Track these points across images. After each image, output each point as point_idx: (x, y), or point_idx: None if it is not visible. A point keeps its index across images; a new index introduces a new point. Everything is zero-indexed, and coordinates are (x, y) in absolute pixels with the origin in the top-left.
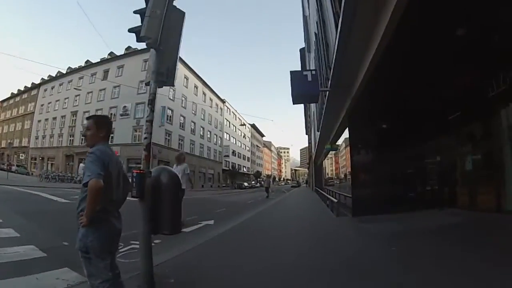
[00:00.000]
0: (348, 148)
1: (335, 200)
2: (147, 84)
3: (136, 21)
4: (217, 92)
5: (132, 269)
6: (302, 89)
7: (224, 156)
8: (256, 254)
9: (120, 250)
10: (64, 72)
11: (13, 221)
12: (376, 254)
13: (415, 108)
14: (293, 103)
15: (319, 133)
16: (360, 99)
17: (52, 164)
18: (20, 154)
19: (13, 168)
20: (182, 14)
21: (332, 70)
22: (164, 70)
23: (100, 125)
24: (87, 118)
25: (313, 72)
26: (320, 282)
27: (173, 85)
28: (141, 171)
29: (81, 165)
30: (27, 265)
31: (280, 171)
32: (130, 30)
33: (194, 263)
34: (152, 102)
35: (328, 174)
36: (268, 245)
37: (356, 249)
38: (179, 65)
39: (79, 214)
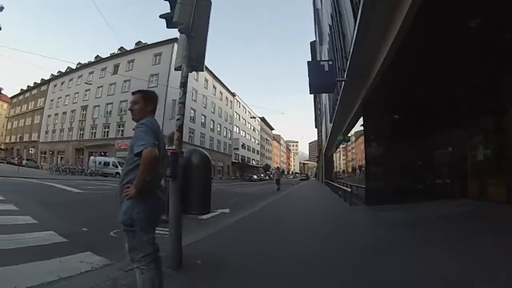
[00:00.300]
0: (361, 139)
1: (349, 190)
2: (177, 68)
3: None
4: (227, 86)
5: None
6: (319, 79)
7: (234, 149)
8: (278, 240)
9: None
10: (74, 67)
11: (29, 209)
12: (395, 238)
13: (427, 100)
14: (310, 93)
15: (331, 124)
16: (375, 90)
17: (61, 157)
18: (30, 149)
19: (23, 162)
20: (209, 3)
21: (349, 61)
22: (195, 55)
23: (148, 99)
24: (133, 93)
25: (330, 63)
26: (346, 263)
27: (202, 70)
28: (175, 151)
29: (92, 157)
30: (49, 250)
31: (289, 164)
32: (161, 16)
33: (215, 247)
34: (184, 85)
35: (338, 166)
36: (288, 231)
37: (376, 234)
38: None
39: (124, 187)
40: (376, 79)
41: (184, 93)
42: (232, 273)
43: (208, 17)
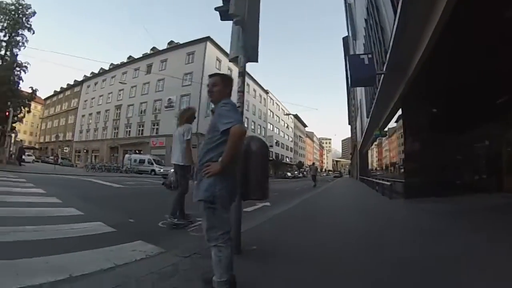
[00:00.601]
0: (398, 133)
1: (388, 183)
2: (233, 60)
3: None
4: (260, 83)
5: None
6: (360, 72)
7: (269, 146)
8: (326, 229)
9: (189, 226)
10: (107, 68)
11: (72, 202)
12: (441, 224)
13: (466, 92)
14: (351, 86)
15: (368, 119)
16: (414, 83)
17: (96, 156)
18: (65, 148)
19: (59, 160)
20: None
21: (388, 54)
22: (249, 46)
23: (227, 82)
24: (210, 76)
25: (369, 56)
26: (405, 240)
27: (257, 61)
28: None
29: (127, 155)
30: (99, 239)
31: (322, 161)
32: (216, 9)
33: (266, 235)
34: (243, 74)
35: (374, 162)
36: (333, 222)
37: (422, 221)
38: (224, 58)
39: (204, 166)
40: (415, 71)
41: (243, 82)
42: (287, 259)
43: (259, 8)
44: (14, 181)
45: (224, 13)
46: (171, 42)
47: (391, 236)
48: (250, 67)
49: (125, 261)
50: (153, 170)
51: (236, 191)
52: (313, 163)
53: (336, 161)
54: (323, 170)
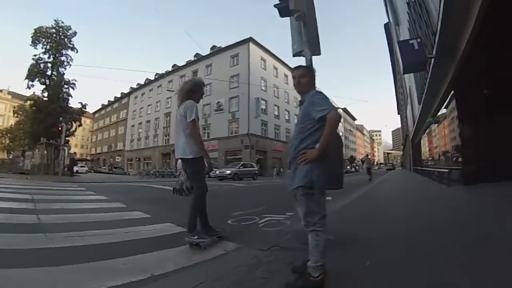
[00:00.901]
0: (451, 118)
1: (446, 171)
2: (297, 54)
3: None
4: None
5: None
6: (411, 58)
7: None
8: (390, 219)
9: (258, 222)
10: (152, 78)
11: (137, 206)
12: (505, 207)
13: None
14: (403, 73)
15: (420, 106)
16: (465, 64)
17: (147, 163)
18: (116, 157)
19: (113, 169)
20: None
21: (437, 36)
22: (311, 40)
23: (313, 73)
24: (296, 68)
25: (419, 40)
26: (468, 230)
27: (319, 54)
28: None
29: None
30: (172, 239)
31: (373, 155)
32: (275, 6)
33: (335, 227)
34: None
35: (428, 150)
36: (397, 212)
37: (484, 206)
38: (268, 57)
39: (300, 153)
40: (465, 53)
41: None
42: (366, 246)
43: (313, 2)
44: (74, 190)
45: (284, 10)
46: (213, 47)
47: (457, 220)
48: (294, 63)
49: (204, 258)
50: (206, 173)
51: (330, 175)
52: (367, 155)
53: (387, 153)
54: (375, 163)
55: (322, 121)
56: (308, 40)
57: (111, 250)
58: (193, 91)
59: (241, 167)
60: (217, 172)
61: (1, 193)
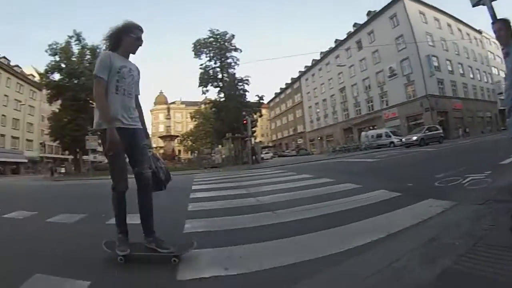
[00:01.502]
0: None
1: None
2: (476, 4)
3: None
4: (469, 24)
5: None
6: None
7: (498, 94)
8: None
9: (462, 182)
10: (318, 58)
11: (343, 179)
12: None
13: None
14: None
15: None
16: None
17: (329, 141)
18: (298, 139)
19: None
20: None
21: None
22: None
23: (508, 25)
24: (493, 22)
25: None
26: None
27: None
28: None
29: (363, 133)
30: (391, 203)
31: None
32: None
33: None
34: (493, 10)
35: None
36: None
37: None
38: (426, 10)
39: None
40: None
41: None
42: None
43: None
44: (274, 173)
45: None
46: (369, 13)
47: None
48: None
49: (429, 215)
50: (392, 142)
51: None
52: None
53: None
54: None
55: None
56: None
57: (340, 217)
58: (110, 37)
59: (427, 131)
60: (403, 139)
61: (213, 184)
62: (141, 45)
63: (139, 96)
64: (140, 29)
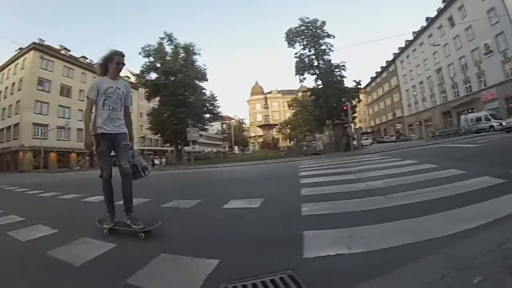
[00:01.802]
0: None
1: None
2: None
3: None
4: None
5: None
6: None
7: None
8: None
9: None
10: (411, 38)
11: (448, 165)
12: None
13: None
14: None
15: None
16: None
17: (428, 125)
18: (396, 125)
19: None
20: None
21: None
22: None
23: None
24: None
25: None
26: None
27: None
28: None
29: (462, 116)
30: (495, 189)
31: None
32: None
33: None
34: None
35: None
36: None
37: None
38: None
39: None
40: None
41: None
42: None
43: None
44: (379, 159)
45: None
46: None
47: None
48: None
49: None
50: (491, 126)
51: None
52: None
53: None
54: None
55: None
56: None
57: (448, 202)
58: (101, 65)
59: None
60: (503, 123)
61: (319, 170)
62: (121, 68)
63: (130, 106)
64: (120, 55)
